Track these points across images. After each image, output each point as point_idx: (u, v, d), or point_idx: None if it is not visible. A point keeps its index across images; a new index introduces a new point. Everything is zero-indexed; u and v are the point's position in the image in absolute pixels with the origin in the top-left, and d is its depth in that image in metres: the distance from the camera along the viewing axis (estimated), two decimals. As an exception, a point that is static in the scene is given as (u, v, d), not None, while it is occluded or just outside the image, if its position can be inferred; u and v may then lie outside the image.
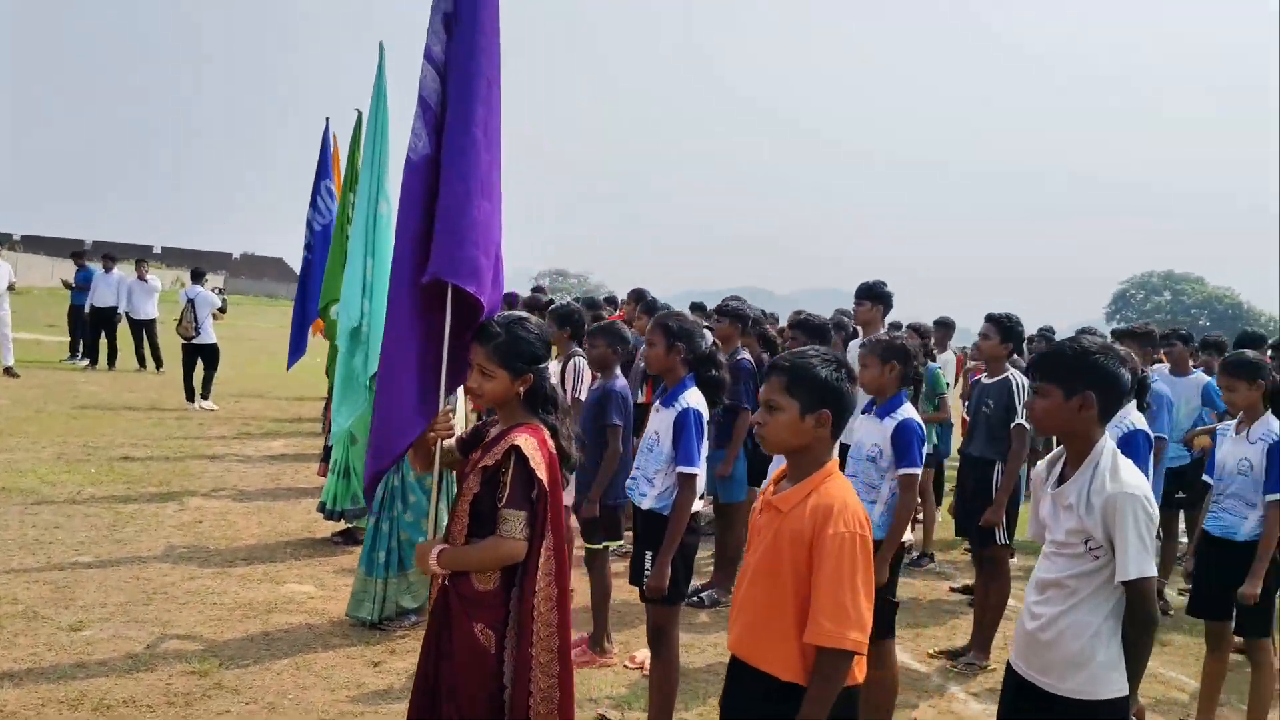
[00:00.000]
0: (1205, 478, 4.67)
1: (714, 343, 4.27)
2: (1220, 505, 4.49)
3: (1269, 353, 7.04)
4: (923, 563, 7.52)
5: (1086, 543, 2.58)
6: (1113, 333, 6.55)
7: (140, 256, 18.41)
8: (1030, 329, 10.72)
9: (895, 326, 13.30)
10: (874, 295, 6.57)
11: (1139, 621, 2.52)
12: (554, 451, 2.72)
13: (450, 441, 2.95)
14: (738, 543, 6.03)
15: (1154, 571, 2.51)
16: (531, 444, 2.63)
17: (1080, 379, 2.62)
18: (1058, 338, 11.40)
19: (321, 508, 6.66)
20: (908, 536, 4.16)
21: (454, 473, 2.97)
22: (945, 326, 9.33)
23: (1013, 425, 5.31)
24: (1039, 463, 2.86)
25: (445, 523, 2.88)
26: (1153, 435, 4.34)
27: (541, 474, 2.60)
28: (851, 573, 2.28)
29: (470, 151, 2.78)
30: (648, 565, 3.92)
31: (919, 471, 4.09)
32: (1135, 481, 2.56)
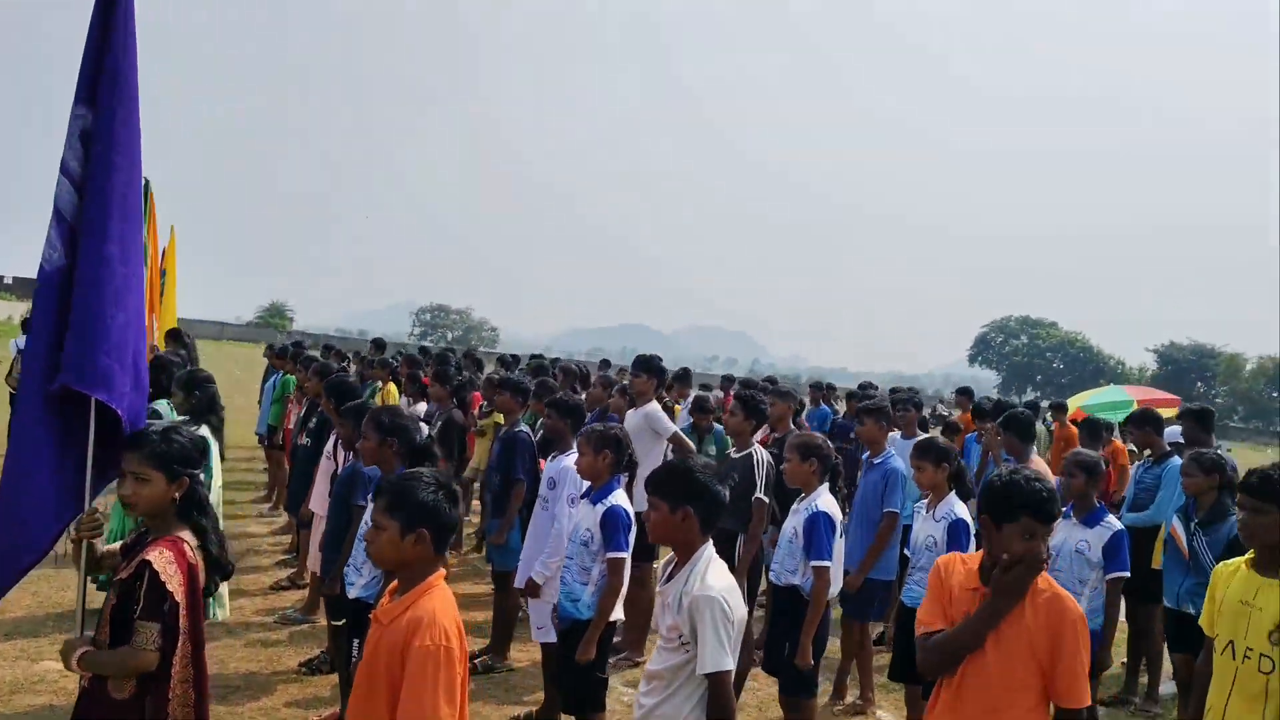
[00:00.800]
0: (905, 551, 5.14)
1: (429, 435, 4.50)
2: (913, 579, 4.94)
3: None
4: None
5: (680, 638, 2.90)
6: (857, 410, 7.09)
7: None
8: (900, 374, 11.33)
9: (730, 380, 13.80)
10: (649, 369, 6.99)
11: (716, 710, 2.85)
12: (195, 561, 2.87)
13: (115, 545, 3.08)
14: (513, 606, 6.25)
15: (729, 666, 2.84)
16: (166, 557, 2.78)
17: (681, 495, 2.97)
18: (878, 391, 12.08)
19: (96, 579, 6.55)
20: (618, 614, 4.45)
21: None
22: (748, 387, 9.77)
23: (753, 498, 5.70)
24: (658, 564, 3.19)
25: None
26: (836, 518, 4.72)
27: (173, 587, 2.76)
28: (434, 682, 2.50)
29: (104, 264, 2.93)
30: (355, 653, 4.09)
31: (625, 555, 4.38)
32: (718, 584, 2.90)
